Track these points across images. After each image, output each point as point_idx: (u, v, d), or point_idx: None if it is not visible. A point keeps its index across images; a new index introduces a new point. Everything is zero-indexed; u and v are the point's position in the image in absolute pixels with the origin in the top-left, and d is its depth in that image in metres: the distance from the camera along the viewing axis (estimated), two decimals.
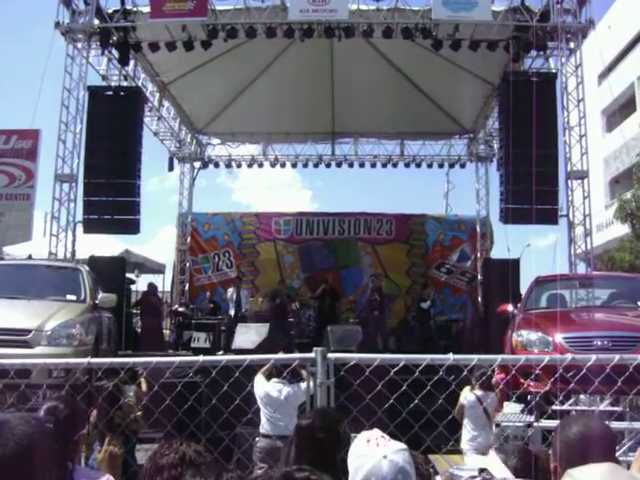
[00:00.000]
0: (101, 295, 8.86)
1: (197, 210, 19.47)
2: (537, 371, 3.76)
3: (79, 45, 12.39)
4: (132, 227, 12.81)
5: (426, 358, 3.18)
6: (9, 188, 17.02)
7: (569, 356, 3.23)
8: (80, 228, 12.35)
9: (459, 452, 6.11)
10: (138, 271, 17.21)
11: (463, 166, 19.14)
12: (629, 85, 23.41)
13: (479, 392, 6.35)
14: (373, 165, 19.23)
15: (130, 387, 5.43)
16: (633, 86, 23.32)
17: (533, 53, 12.68)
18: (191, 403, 3.44)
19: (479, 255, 17.90)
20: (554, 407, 4.90)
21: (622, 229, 18.89)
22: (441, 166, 19.08)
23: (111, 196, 12.42)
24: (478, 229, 18.31)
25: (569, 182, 11.93)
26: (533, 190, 11.17)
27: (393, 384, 3.38)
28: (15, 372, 3.37)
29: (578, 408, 5.28)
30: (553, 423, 4.34)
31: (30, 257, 12.14)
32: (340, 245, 18.37)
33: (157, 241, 54.41)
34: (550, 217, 11.99)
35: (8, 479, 1.52)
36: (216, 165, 19.66)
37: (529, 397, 5.27)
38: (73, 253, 12.11)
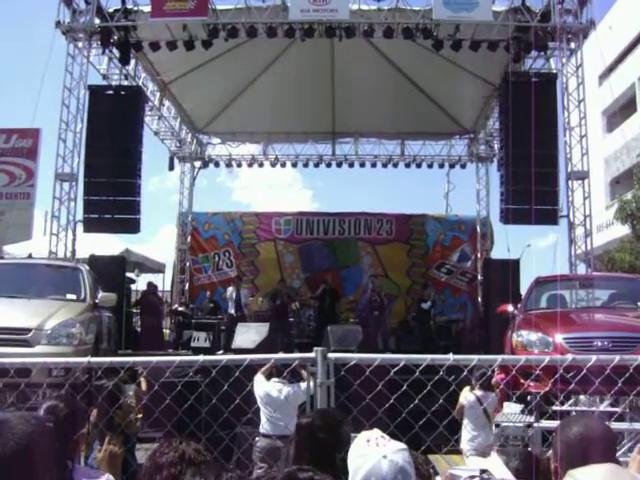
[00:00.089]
0: (101, 294, 8.86)
1: (197, 209, 19.48)
2: (537, 371, 3.75)
3: (80, 44, 12.39)
4: (132, 226, 12.81)
5: (426, 358, 3.18)
6: (9, 187, 17.04)
7: (569, 357, 3.22)
8: (80, 227, 12.37)
9: (459, 452, 6.10)
10: (138, 270, 17.20)
11: (463, 166, 19.15)
12: (630, 86, 23.40)
13: (479, 392, 6.35)
14: (373, 165, 19.24)
15: (130, 386, 5.43)
16: (634, 87, 23.32)
17: (534, 53, 12.67)
18: (191, 403, 3.44)
19: (479, 255, 17.90)
20: (554, 408, 4.90)
21: (622, 230, 18.89)
22: (441, 166, 19.07)
23: (111, 195, 12.43)
24: (478, 229, 18.31)
25: (569, 182, 11.93)
26: (533, 190, 11.17)
27: (393, 384, 3.38)
28: (15, 371, 3.37)
29: (578, 409, 5.28)
30: (553, 424, 4.35)
31: (30, 256, 12.16)
32: (340, 245, 18.37)
33: (157, 240, 54.55)
34: (550, 218, 11.99)
35: (8, 478, 1.52)
36: (216, 165, 19.66)
37: (529, 397, 5.28)
38: (73, 252, 12.11)
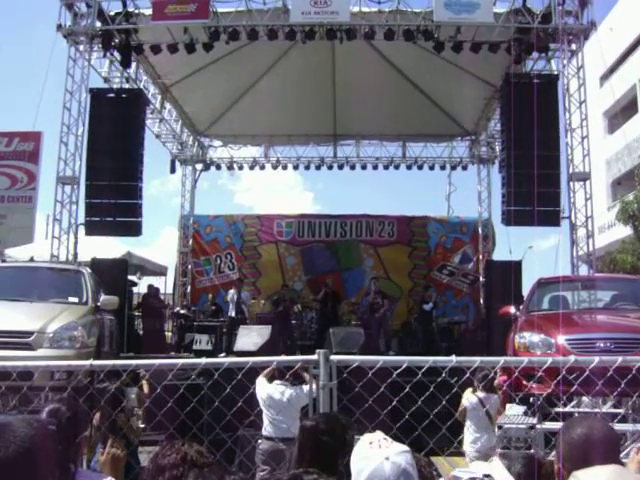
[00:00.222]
0: (103, 297, 8.86)
1: (199, 212, 19.50)
2: (540, 373, 3.74)
3: (81, 47, 12.42)
4: (134, 229, 12.83)
5: (429, 360, 3.17)
6: (11, 190, 17.02)
7: (572, 358, 3.21)
8: (82, 230, 12.38)
9: (462, 455, 6.09)
10: (140, 273, 17.21)
11: (465, 168, 19.17)
12: (631, 87, 23.38)
13: (481, 394, 6.33)
14: (375, 167, 19.27)
15: (132, 389, 5.41)
16: (635, 88, 23.29)
17: (535, 55, 12.68)
18: (193, 405, 3.44)
19: (481, 257, 17.90)
20: (557, 409, 4.89)
21: (624, 231, 18.86)
22: (443, 168, 19.07)
23: (113, 198, 12.45)
24: (480, 231, 18.30)
25: (571, 184, 11.92)
26: (535, 192, 11.18)
27: (396, 386, 3.38)
28: (17, 374, 3.36)
29: (581, 410, 5.26)
30: (556, 425, 4.33)
31: (32, 259, 12.14)
32: (342, 247, 18.38)
33: (159, 243, 54.58)
34: (552, 219, 11.98)
35: None
36: (218, 167, 19.70)
37: (532, 399, 5.26)
38: (75, 255, 12.13)
